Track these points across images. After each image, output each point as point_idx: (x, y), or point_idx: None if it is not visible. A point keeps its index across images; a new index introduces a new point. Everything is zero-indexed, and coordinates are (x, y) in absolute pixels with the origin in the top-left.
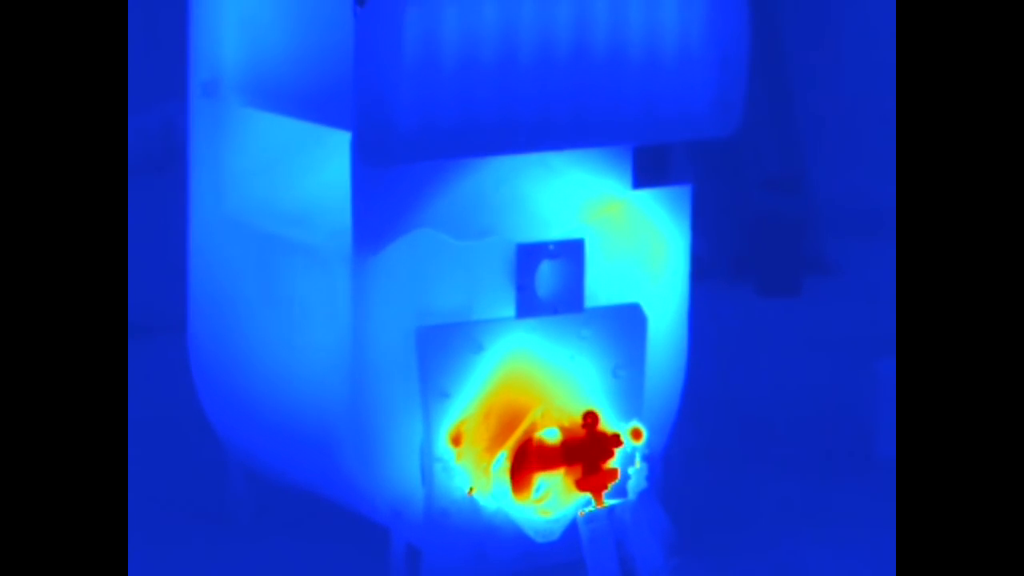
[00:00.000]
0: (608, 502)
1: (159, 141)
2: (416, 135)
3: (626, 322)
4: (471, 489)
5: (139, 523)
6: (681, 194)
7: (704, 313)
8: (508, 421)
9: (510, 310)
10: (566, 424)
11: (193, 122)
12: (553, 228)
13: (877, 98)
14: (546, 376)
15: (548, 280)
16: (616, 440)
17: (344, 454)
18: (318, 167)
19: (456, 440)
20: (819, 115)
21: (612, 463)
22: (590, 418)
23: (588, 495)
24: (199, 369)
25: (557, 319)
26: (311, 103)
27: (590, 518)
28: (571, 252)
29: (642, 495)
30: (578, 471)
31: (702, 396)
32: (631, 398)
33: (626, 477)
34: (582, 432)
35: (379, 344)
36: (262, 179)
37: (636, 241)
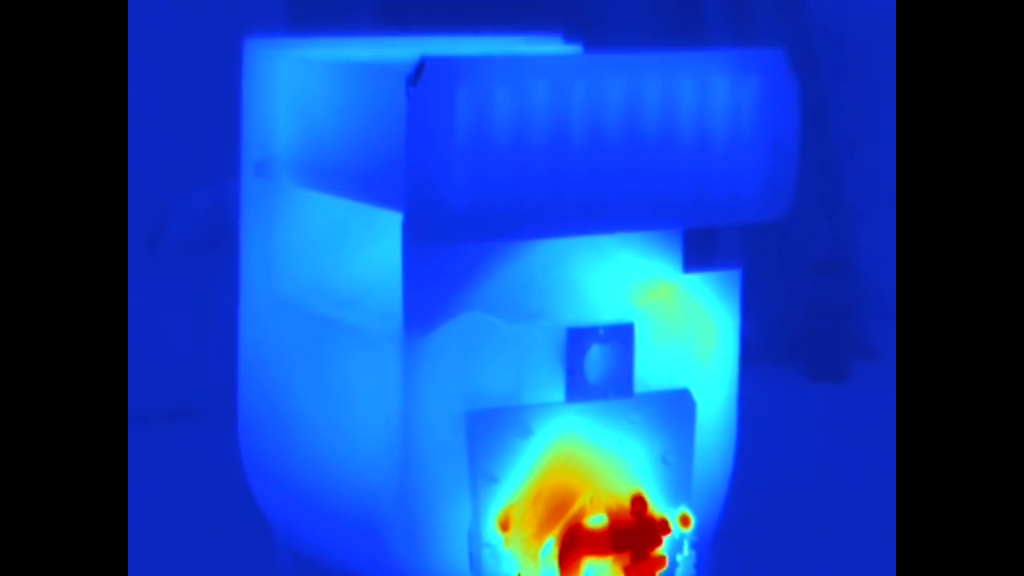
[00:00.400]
0: None
1: (209, 220)
2: (467, 216)
3: (675, 407)
4: (519, 574)
5: None
6: (731, 278)
7: (753, 397)
8: (556, 506)
9: (559, 394)
10: (614, 509)
11: (244, 202)
12: (603, 312)
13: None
14: (595, 461)
15: (598, 364)
16: (665, 526)
17: (392, 538)
18: (369, 248)
19: (504, 525)
20: (868, 199)
21: (660, 550)
22: (638, 504)
23: None
24: (248, 450)
25: (606, 404)
26: (362, 183)
27: None
28: (621, 336)
29: None
30: (626, 557)
31: (751, 481)
32: (680, 484)
33: (674, 564)
34: (630, 518)
35: (428, 427)
36: (313, 260)
37: (686, 325)
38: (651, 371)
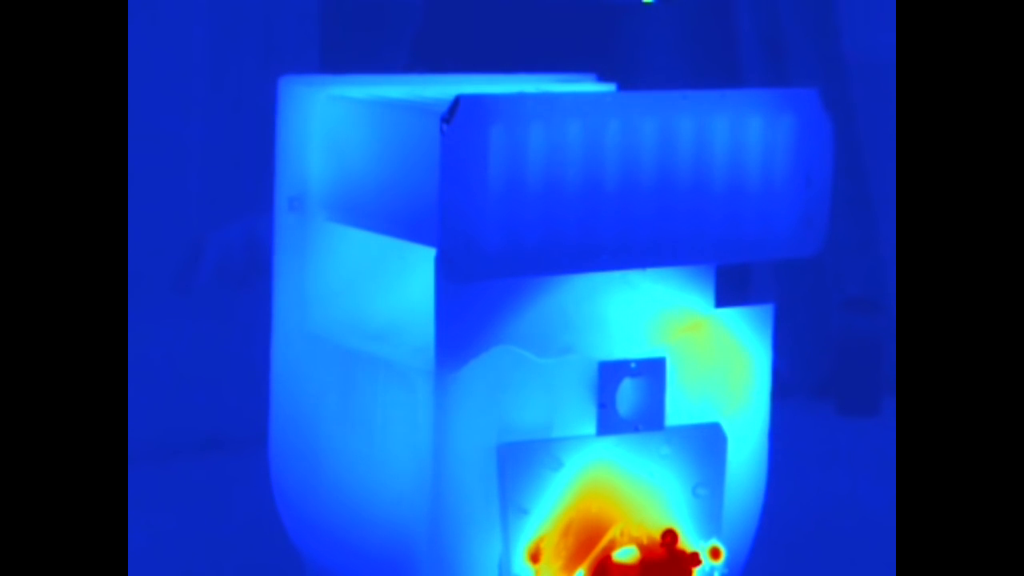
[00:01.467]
0: None
1: (243, 255)
2: (500, 253)
3: (706, 441)
4: None
5: None
6: (763, 313)
7: (785, 432)
8: (587, 538)
9: (591, 427)
10: (645, 542)
11: (278, 237)
12: (635, 346)
13: None
14: (625, 494)
15: (629, 398)
16: (695, 559)
17: (423, 571)
18: (401, 283)
19: (535, 557)
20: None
21: None
22: (669, 537)
23: None
24: (279, 483)
25: (637, 437)
26: (395, 219)
27: None
28: (653, 370)
29: None
30: None
31: (782, 515)
32: (710, 517)
33: None
34: (661, 551)
35: (459, 461)
36: (345, 294)
37: (718, 360)
38: (683, 405)
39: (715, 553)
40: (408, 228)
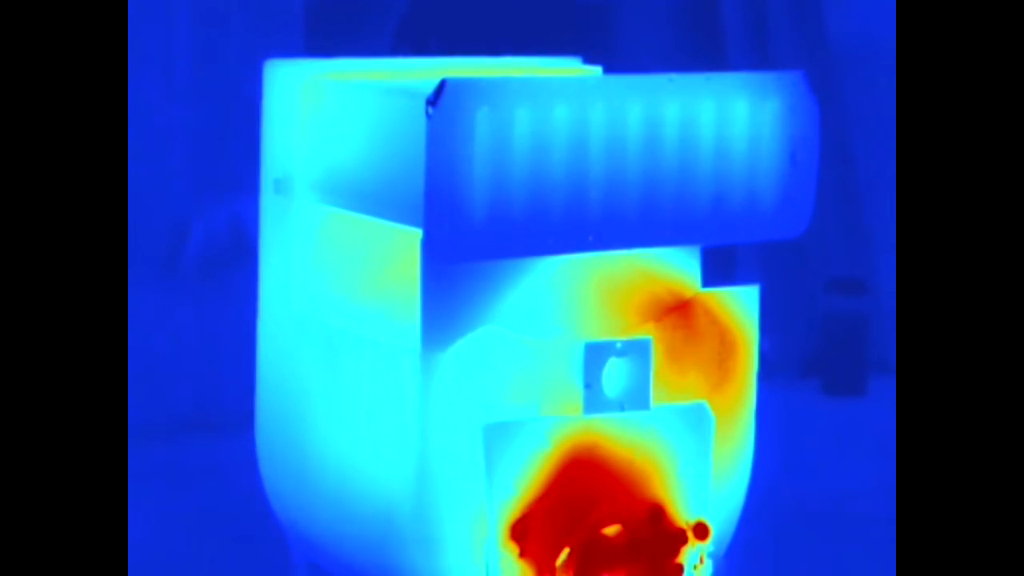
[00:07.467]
0: None
1: (228, 237)
2: (486, 233)
3: (693, 421)
4: None
5: None
6: (749, 294)
7: (770, 412)
8: (573, 518)
9: (577, 408)
10: (631, 521)
11: (264, 219)
12: (621, 326)
13: None
14: (611, 474)
15: (615, 378)
16: (681, 538)
17: (408, 550)
18: (387, 264)
19: (520, 536)
20: (887, 215)
21: (677, 561)
22: (655, 516)
23: None
24: (265, 462)
25: (624, 417)
26: (381, 201)
27: None
28: (639, 350)
29: None
30: (643, 568)
31: (768, 494)
32: (697, 496)
33: (691, 575)
34: (647, 529)
35: (445, 441)
36: (331, 275)
37: (704, 340)
38: (669, 385)
39: (701, 531)
40: (394, 210)
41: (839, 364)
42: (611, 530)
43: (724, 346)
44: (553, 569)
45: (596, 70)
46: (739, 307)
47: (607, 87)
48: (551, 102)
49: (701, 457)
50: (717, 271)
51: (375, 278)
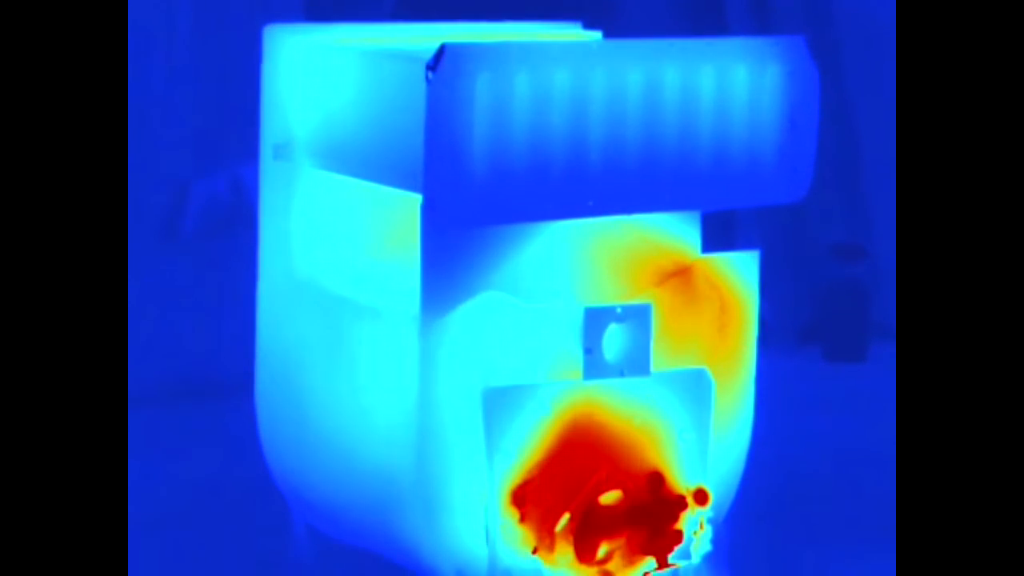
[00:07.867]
0: (672, 565)
1: (228, 202)
2: (485, 199)
3: (693, 386)
4: (534, 549)
5: None
6: (749, 259)
7: (771, 378)
8: (572, 483)
9: (577, 373)
10: (631, 487)
11: (263, 184)
12: (621, 292)
13: None
14: (611, 439)
15: (615, 343)
16: (681, 503)
17: (408, 515)
18: (387, 229)
19: (520, 501)
20: (886, 181)
21: (677, 526)
22: (655, 481)
23: (652, 559)
24: (265, 428)
25: (624, 382)
26: (381, 166)
27: None
28: (639, 316)
29: (707, 558)
30: (643, 534)
31: (767, 460)
32: (696, 461)
33: (691, 540)
34: (647, 495)
35: (444, 406)
36: (330, 241)
37: (704, 305)
38: (669, 350)
39: (701, 497)
40: (394, 175)
41: (839, 330)
42: (611, 496)
43: (724, 312)
44: (553, 534)
45: (596, 35)
46: (739, 273)
47: (607, 52)
48: (551, 67)
49: (701, 423)
50: (717, 237)
51: (375, 243)
